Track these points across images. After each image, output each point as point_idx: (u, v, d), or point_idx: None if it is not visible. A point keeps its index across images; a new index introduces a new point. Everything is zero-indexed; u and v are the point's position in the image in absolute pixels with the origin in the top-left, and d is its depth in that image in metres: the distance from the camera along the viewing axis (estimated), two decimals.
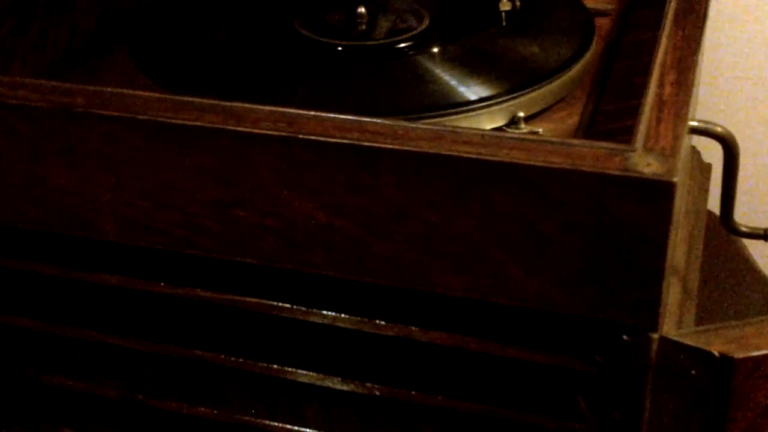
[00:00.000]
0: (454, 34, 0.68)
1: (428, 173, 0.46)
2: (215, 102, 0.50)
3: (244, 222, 0.51)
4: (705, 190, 0.93)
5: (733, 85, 1.04)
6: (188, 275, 0.55)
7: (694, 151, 0.96)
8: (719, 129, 0.60)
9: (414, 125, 0.48)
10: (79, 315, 0.60)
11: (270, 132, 0.48)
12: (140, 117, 0.50)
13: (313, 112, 0.49)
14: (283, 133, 0.48)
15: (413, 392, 0.55)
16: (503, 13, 0.69)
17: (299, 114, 0.49)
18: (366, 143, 0.47)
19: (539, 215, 0.45)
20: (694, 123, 0.62)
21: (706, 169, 0.95)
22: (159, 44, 0.70)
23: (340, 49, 0.67)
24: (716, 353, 0.45)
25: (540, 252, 0.46)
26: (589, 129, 0.60)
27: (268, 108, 0.50)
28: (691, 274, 0.79)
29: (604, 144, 0.45)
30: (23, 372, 0.63)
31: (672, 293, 0.71)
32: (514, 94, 0.60)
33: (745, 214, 0.93)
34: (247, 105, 0.50)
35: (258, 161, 0.49)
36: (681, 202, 0.63)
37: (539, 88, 0.61)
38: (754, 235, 0.71)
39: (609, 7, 0.76)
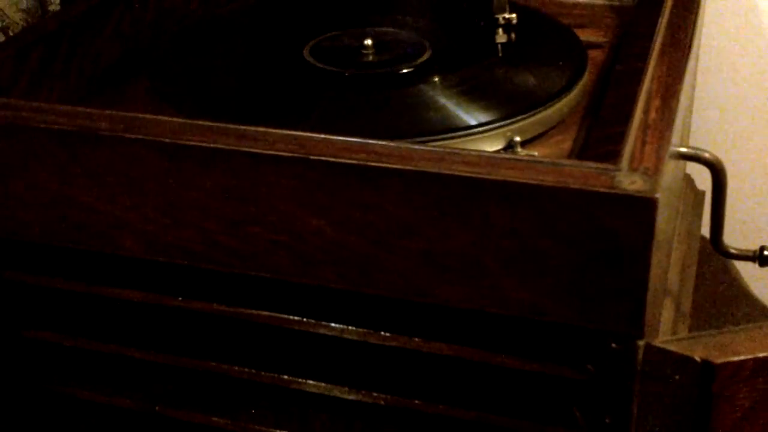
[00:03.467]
0: (454, 64, 0.69)
1: (430, 191, 0.48)
2: (232, 125, 0.52)
3: (259, 238, 0.52)
4: (698, 216, 0.94)
5: (726, 113, 1.06)
6: (205, 289, 0.57)
7: (688, 179, 0.98)
8: (707, 155, 0.62)
9: (417, 147, 0.50)
10: (99, 328, 0.61)
11: (283, 153, 0.50)
12: (162, 140, 0.51)
13: (323, 135, 0.50)
14: (295, 155, 0.49)
15: (416, 401, 0.56)
16: (499, 45, 0.70)
17: (310, 137, 0.51)
18: (372, 164, 0.49)
19: (532, 230, 0.47)
20: (683, 149, 0.63)
21: (700, 195, 0.96)
22: (177, 73, 0.71)
23: (348, 76, 0.69)
24: (698, 359, 0.47)
25: (533, 264, 0.48)
26: (581, 153, 0.62)
27: (281, 131, 0.51)
28: (685, 295, 0.80)
29: (592, 164, 0.47)
30: (46, 384, 0.64)
31: (665, 313, 0.71)
32: (511, 120, 0.61)
33: (742, 237, 0.95)
34: (261, 128, 0.51)
35: (271, 181, 0.50)
36: (669, 222, 0.64)
37: (534, 114, 0.62)
38: (743, 256, 0.72)
39: (602, 39, 0.78)
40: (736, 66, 1.04)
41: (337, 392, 0.58)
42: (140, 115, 0.54)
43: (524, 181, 0.47)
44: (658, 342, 0.48)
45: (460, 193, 0.48)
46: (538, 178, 0.47)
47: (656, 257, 0.48)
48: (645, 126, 0.52)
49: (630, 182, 0.46)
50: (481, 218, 0.48)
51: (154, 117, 0.54)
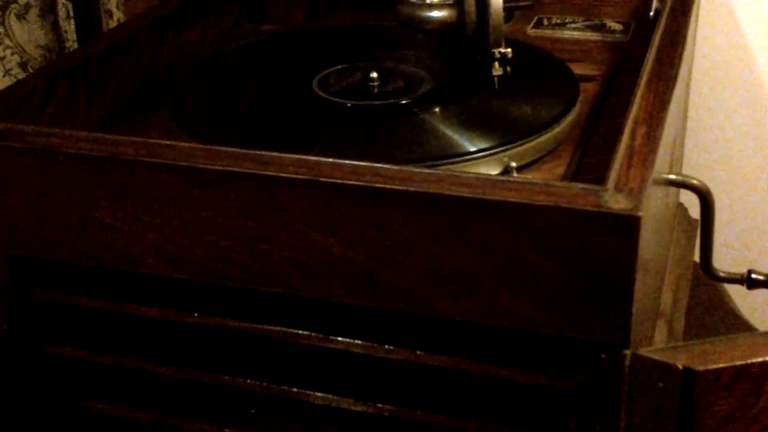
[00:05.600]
0: (453, 96, 0.72)
1: (431, 211, 0.51)
2: (246, 151, 0.54)
3: (271, 255, 0.54)
4: (691, 242, 0.96)
5: (716, 143, 1.09)
6: (220, 304, 0.59)
7: (682, 207, 1.01)
8: (695, 182, 0.64)
9: (418, 170, 0.52)
10: (118, 343, 0.63)
11: (294, 176, 0.52)
12: (181, 164, 0.54)
13: (331, 159, 0.53)
14: (305, 177, 0.52)
15: (417, 412, 0.58)
16: (495, 78, 0.73)
17: (319, 160, 0.53)
18: (377, 185, 0.51)
19: (525, 246, 0.50)
20: (672, 176, 0.65)
21: (693, 223, 0.99)
22: (194, 103, 0.73)
23: (354, 107, 0.71)
24: (680, 366, 0.49)
25: (527, 278, 0.50)
26: (573, 178, 0.64)
27: (292, 155, 0.53)
28: (677, 317, 0.82)
29: (581, 185, 0.50)
30: (66, 398, 0.65)
31: (659, 334, 0.73)
32: (507, 146, 0.64)
33: (734, 261, 0.97)
34: (274, 153, 0.54)
35: (283, 201, 0.53)
36: (659, 246, 0.65)
37: (529, 141, 0.65)
38: (731, 279, 0.73)
39: (596, 73, 0.80)
40: (727, 98, 1.07)
41: (344, 404, 0.59)
42: (160, 142, 0.56)
43: (518, 200, 0.49)
44: (643, 351, 0.51)
45: (459, 212, 0.50)
46: (531, 198, 0.49)
47: (642, 273, 0.51)
48: (631, 151, 0.54)
49: (615, 202, 0.48)
50: (478, 236, 0.50)
51: (174, 143, 0.56)
